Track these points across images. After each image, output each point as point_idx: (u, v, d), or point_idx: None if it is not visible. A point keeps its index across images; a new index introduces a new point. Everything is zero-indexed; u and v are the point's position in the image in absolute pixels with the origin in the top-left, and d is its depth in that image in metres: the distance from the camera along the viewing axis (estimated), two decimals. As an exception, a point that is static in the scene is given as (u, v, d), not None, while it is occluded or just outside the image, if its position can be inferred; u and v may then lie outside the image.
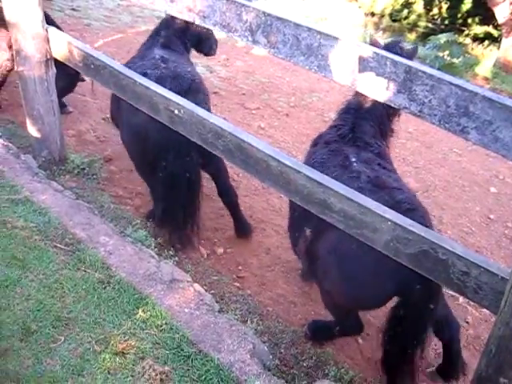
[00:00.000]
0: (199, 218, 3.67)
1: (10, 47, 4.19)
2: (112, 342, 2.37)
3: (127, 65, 3.79)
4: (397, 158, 5.73)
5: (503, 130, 1.83)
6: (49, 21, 3.87)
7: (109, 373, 2.22)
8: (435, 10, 19.23)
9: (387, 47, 3.16)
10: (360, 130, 3.13)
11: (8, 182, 3.34)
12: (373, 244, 2.31)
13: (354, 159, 2.84)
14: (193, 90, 3.48)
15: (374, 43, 3.19)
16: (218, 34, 4.12)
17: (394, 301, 2.68)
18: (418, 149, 6.08)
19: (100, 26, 8.31)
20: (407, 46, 3.28)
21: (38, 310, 2.47)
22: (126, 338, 2.40)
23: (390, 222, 2.22)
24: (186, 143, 3.14)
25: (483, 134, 1.89)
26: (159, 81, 3.31)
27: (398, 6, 19.21)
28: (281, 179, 2.50)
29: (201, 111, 2.82)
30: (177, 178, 3.44)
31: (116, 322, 2.49)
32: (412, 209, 2.46)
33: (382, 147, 3.19)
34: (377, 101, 2.30)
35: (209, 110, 3.53)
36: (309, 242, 2.85)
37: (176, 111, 2.89)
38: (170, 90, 3.05)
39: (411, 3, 19.29)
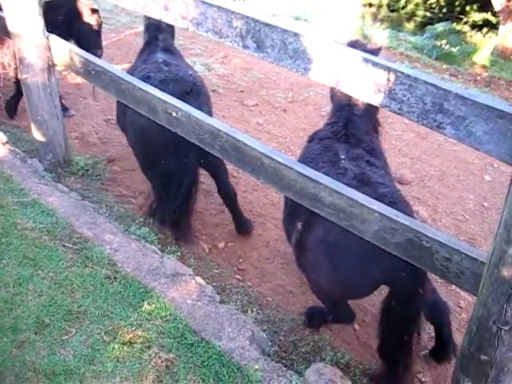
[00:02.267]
0: (192, 214, 3.82)
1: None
2: (120, 332, 2.52)
3: (132, 68, 3.97)
4: (392, 149, 5.86)
5: (475, 125, 1.96)
6: None
7: (118, 361, 2.38)
8: (433, -1, 19.23)
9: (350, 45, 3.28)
10: (353, 127, 3.25)
11: (17, 186, 3.49)
12: (362, 234, 2.45)
13: (343, 156, 2.97)
14: (194, 92, 3.61)
15: (354, 44, 3.32)
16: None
17: (386, 291, 2.81)
18: (413, 139, 6.21)
19: (99, 27, 8.41)
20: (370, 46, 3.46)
21: (50, 305, 2.62)
22: (133, 328, 2.55)
23: (376, 214, 2.36)
24: (183, 143, 3.28)
25: (457, 129, 2.02)
26: (162, 83, 3.47)
27: (395, -4, 19.20)
28: (274, 176, 2.64)
29: (197, 113, 2.96)
30: (174, 176, 3.59)
31: (123, 314, 2.64)
32: (393, 202, 2.56)
33: (374, 143, 3.31)
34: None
35: (210, 111, 3.66)
36: (299, 234, 2.99)
37: (174, 113, 3.03)
38: (172, 92, 3.18)
39: (409, -7, 19.27)
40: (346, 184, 2.64)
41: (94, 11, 5.41)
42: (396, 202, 2.61)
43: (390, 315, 2.78)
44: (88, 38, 5.26)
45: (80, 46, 4.52)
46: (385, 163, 3.28)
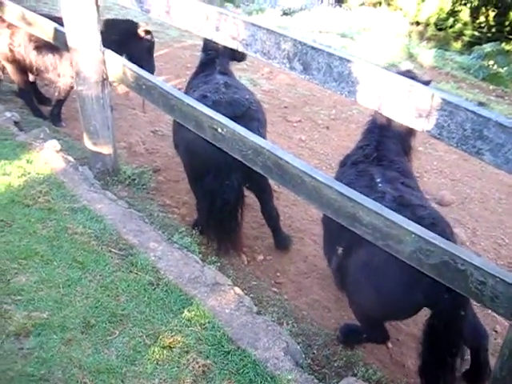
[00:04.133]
0: (240, 232, 3.93)
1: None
2: (160, 337, 2.63)
3: (188, 88, 4.13)
4: (434, 170, 5.87)
5: (514, 152, 2.02)
6: None
7: (157, 363, 2.49)
8: (482, 18, 18.98)
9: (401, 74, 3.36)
10: (384, 149, 3.31)
11: (68, 192, 3.68)
12: (398, 255, 2.50)
13: (378, 179, 3.03)
14: (246, 116, 3.67)
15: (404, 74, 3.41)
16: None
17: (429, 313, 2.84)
18: (455, 161, 6.19)
19: (149, 40, 8.69)
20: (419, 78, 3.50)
21: (96, 307, 2.76)
22: (173, 333, 2.66)
23: (413, 235, 2.40)
24: (226, 165, 3.42)
25: (496, 156, 2.07)
26: (215, 104, 3.57)
27: (443, 15, 19.02)
28: (314, 194, 2.73)
29: (241, 130, 3.07)
30: (215, 196, 3.72)
31: (164, 319, 2.76)
32: (433, 223, 2.61)
33: (404, 164, 3.37)
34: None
35: (262, 137, 3.65)
36: (340, 259, 3.07)
37: (219, 129, 3.16)
38: (224, 114, 3.25)
39: (457, 11, 19.07)
40: (385, 207, 2.70)
41: (148, 32, 5.69)
42: (435, 223, 2.64)
43: (432, 337, 2.80)
44: (140, 57, 5.48)
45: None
46: (417, 185, 3.32)
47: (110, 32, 5.00)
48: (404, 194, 2.91)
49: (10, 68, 5.47)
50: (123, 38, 5.37)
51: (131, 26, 5.65)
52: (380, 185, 3.00)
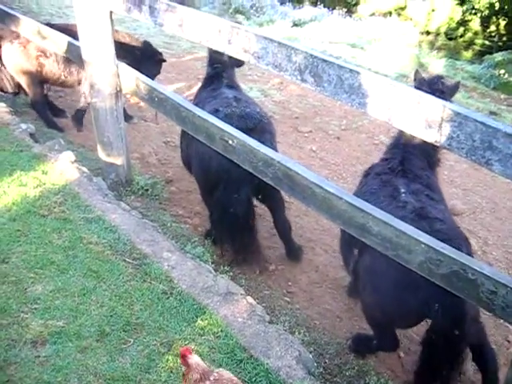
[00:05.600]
0: (254, 242, 3.96)
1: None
2: (174, 345, 2.67)
3: (197, 101, 4.20)
4: (445, 179, 5.87)
5: (523, 163, 2.04)
6: None
7: (171, 372, 2.53)
8: (492, 27, 18.98)
9: (429, 82, 3.41)
10: (409, 163, 3.34)
11: (83, 202, 3.74)
12: (408, 264, 2.52)
13: (403, 190, 3.06)
14: (259, 129, 3.75)
15: (418, 78, 3.44)
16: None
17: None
18: (466, 171, 6.20)
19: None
20: (448, 82, 3.51)
21: (111, 316, 2.81)
22: (187, 342, 2.70)
23: (423, 245, 2.43)
24: (236, 179, 3.47)
25: (505, 166, 2.09)
26: (227, 117, 3.64)
27: (453, 24, 19.05)
28: (324, 204, 2.76)
29: (252, 141, 3.12)
30: (226, 208, 3.77)
31: (178, 328, 2.79)
32: (447, 239, 2.54)
33: (430, 178, 3.38)
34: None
35: (274, 149, 3.68)
36: (355, 261, 3.10)
37: (230, 141, 3.20)
38: (236, 127, 3.31)
39: (467, 21, 19.09)
40: (404, 216, 2.73)
41: (162, 61, 5.90)
42: (451, 239, 2.60)
43: (428, 347, 2.84)
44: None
45: None
46: (443, 199, 3.34)
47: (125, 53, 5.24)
48: (426, 206, 2.93)
49: (26, 80, 5.54)
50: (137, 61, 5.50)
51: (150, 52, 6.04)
52: (403, 195, 3.03)
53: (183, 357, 2.10)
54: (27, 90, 5.62)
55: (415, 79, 3.58)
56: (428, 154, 3.46)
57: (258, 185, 3.44)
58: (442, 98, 3.25)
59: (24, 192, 3.72)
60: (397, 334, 3.22)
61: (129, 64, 4.17)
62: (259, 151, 3.02)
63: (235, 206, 3.73)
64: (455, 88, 3.48)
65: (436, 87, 3.38)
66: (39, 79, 5.55)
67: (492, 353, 3.14)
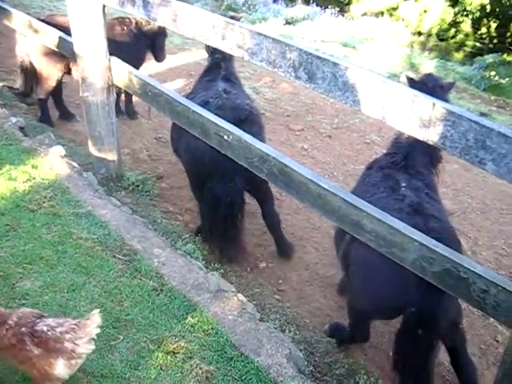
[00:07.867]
0: (241, 237, 3.96)
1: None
2: (164, 342, 2.65)
3: (192, 93, 4.18)
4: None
5: (516, 162, 2.04)
6: None
7: (161, 369, 2.51)
8: (483, 29, 19.11)
9: (423, 81, 3.41)
10: (412, 159, 3.35)
11: (73, 197, 3.70)
12: (401, 262, 2.53)
13: (404, 184, 3.08)
14: (249, 120, 3.78)
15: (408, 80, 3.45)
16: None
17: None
18: (456, 171, 6.20)
19: (152, 48, 8.75)
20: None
21: (101, 312, 2.76)
22: (177, 339, 2.68)
23: (416, 242, 2.43)
24: (231, 170, 3.45)
25: (498, 166, 2.09)
26: (219, 109, 3.65)
27: (445, 25, 19.16)
28: (319, 201, 2.75)
29: (248, 137, 3.10)
30: (218, 200, 3.75)
31: (168, 325, 2.77)
32: (439, 238, 2.51)
33: (430, 177, 3.41)
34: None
35: (263, 140, 3.74)
36: (345, 246, 3.13)
37: (225, 136, 3.18)
38: (227, 118, 3.32)
39: (459, 22, 19.20)
40: (400, 209, 2.77)
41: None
42: (442, 238, 2.58)
43: (398, 340, 2.88)
44: None
45: None
46: (439, 199, 3.34)
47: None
48: (423, 203, 2.94)
49: (51, 75, 5.44)
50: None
51: None
52: (403, 189, 3.05)
53: None
54: (46, 84, 5.50)
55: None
56: (431, 150, 3.48)
57: (247, 176, 3.43)
58: (442, 94, 3.30)
59: (13, 186, 3.67)
60: (369, 329, 3.29)
61: None
62: (255, 147, 3.00)
63: (230, 194, 3.73)
64: (451, 85, 3.52)
65: (435, 83, 3.41)
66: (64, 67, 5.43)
67: (472, 364, 3.18)
